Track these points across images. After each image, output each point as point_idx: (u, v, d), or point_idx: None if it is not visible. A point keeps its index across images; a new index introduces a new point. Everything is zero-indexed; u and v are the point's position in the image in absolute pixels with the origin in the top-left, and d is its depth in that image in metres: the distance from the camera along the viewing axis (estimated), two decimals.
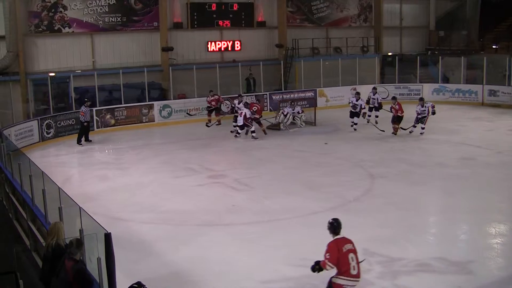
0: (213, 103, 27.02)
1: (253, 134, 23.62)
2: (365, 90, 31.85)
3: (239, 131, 23.96)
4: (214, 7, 32.04)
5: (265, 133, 24.63)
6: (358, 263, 8.95)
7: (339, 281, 8.97)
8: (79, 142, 23.53)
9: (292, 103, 26.67)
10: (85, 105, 23.79)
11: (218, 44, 32.58)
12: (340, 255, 8.94)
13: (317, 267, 9.20)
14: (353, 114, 24.95)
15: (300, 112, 26.36)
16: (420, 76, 34.89)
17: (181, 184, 17.61)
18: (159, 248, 12.57)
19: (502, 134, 24.06)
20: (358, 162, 19.75)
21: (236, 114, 24.67)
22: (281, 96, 29.97)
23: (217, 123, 26.96)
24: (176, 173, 18.83)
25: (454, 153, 20.59)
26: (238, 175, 18.21)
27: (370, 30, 38.70)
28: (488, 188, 17.04)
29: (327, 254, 9.02)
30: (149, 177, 18.47)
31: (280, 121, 25.83)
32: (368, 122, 25.65)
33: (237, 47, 32.99)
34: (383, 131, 23.94)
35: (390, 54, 38.43)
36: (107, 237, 7.58)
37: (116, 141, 24.34)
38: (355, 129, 24.73)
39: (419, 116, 23.64)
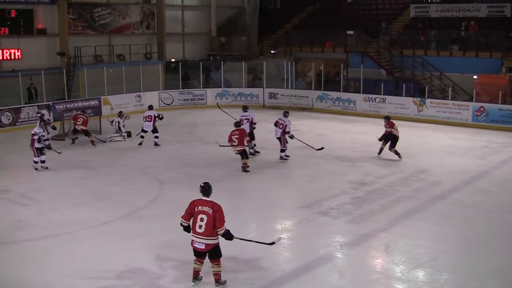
0: None
1: None
2: (149, 97, 32.16)
3: None
4: None
5: (93, 145, 23.80)
6: (208, 224, 10.27)
7: (192, 237, 10.52)
8: None
9: (121, 113, 25.53)
10: None
11: None
12: (193, 213, 10.49)
13: (182, 226, 10.76)
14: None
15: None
16: (203, 81, 35.62)
17: None
18: None
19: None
20: (146, 169, 19.76)
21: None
22: (64, 106, 29.11)
23: None
24: None
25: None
26: (23, 190, 17.39)
27: (153, 37, 38.81)
28: (272, 187, 17.86)
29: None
30: None
31: (116, 131, 25.05)
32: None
33: (17, 56, 31.51)
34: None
35: (173, 60, 38.82)
36: None
37: None
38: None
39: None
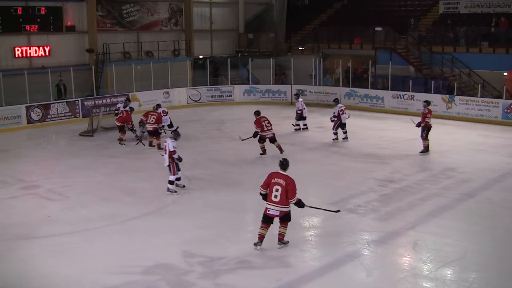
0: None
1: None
2: (177, 94, 32.36)
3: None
4: (20, 11, 30.46)
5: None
6: (282, 194, 11.85)
7: (266, 205, 12.13)
8: None
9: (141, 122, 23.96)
10: None
11: (26, 50, 31.12)
12: (269, 184, 12.02)
13: (261, 194, 12.26)
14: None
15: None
16: (231, 78, 35.66)
17: None
18: None
19: (311, 131, 25.19)
20: None
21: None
22: (93, 102, 29.34)
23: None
24: None
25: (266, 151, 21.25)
26: (52, 185, 17.60)
27: (181, 33, 38.90)
28: (300, 183, 17.73)
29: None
30: None
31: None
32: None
33: (46, 52, 31.79)
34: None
35: (201, 57, 38.88)
36: None
37: None
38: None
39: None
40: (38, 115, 27.52)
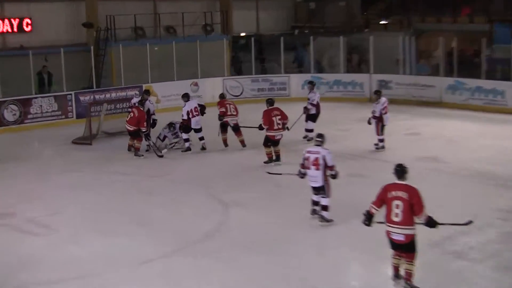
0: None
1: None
2: (210, 86, 32.32)
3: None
4: None
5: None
6: (405, 211, 11.75)
7: (386, 228, 12.08)
8: None
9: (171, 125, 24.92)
10: None
11: None
12: (385, 199, 12.06)
13: (366, 215, 12.45)
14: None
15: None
16: (285, 64, 35.48)
17: None
18: None
19: (400, 140, 24.74)
20: (204, 184, 19.73)
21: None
22: (92, 97, 29.42)
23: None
24: None
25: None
26: (34, 213, 17.56)
27: (215, 2, 39.00)
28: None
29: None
30: None
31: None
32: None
33: (27, 27, 32.03)
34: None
35: (243, 34, 38.87)
36: None
37: None
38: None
39: None
40: (14, 114, 27.77)
